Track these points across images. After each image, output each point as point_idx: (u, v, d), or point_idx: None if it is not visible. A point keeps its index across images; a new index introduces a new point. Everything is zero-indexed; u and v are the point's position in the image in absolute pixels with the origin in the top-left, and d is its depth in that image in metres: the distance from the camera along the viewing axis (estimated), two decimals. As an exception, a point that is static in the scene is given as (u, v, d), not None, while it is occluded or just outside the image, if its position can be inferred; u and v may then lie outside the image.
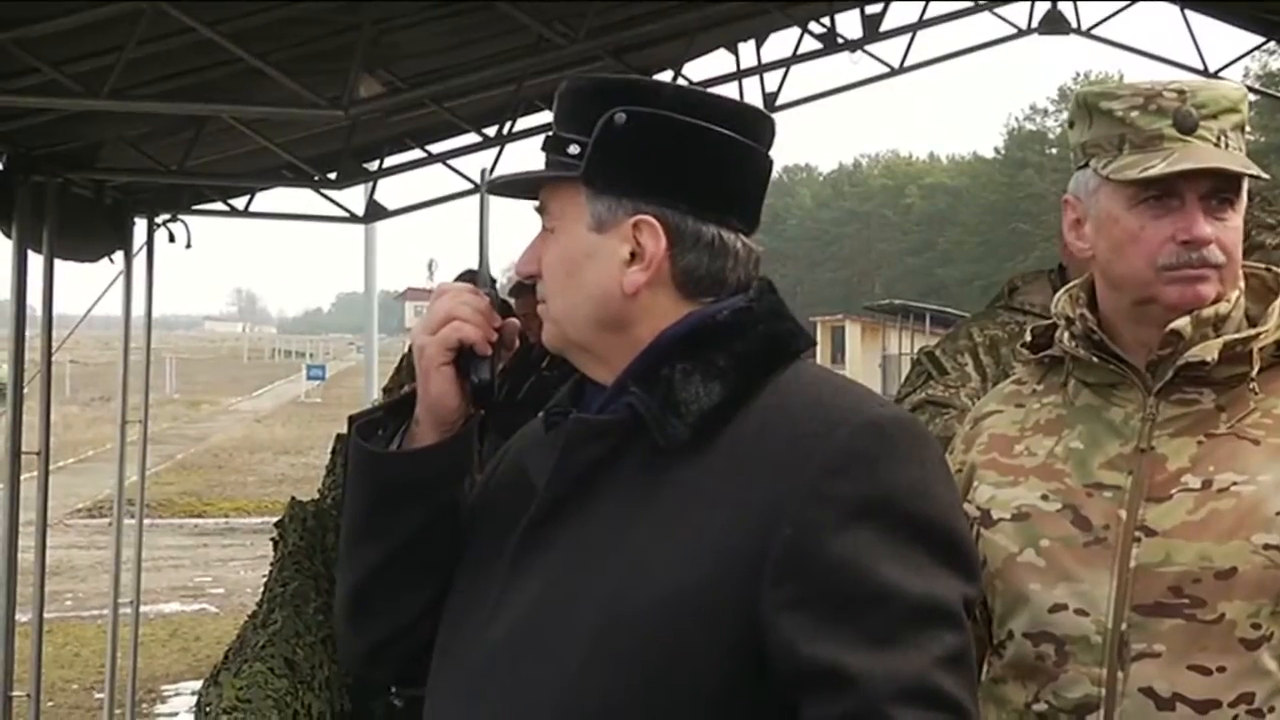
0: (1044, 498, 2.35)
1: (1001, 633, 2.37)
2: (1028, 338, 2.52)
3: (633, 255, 1.90)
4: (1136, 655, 2.26)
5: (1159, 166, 2.27)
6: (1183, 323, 2.30)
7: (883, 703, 1.69)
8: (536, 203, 1.99)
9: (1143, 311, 2.34)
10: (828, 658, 1.71)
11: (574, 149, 1.91)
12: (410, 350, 2.08)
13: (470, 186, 8.43)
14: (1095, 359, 2.36)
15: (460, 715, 1.90)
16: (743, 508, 1.78)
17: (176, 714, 10.48)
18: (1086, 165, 2.37)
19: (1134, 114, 2.31)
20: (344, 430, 2.20)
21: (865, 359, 48.03)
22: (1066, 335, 2.40)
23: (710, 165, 1.92)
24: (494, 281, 2.05)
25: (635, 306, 1.91)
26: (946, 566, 1.78)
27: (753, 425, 1.83)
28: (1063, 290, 2.48)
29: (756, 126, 1.95)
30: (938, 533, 1.79)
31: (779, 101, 9.49)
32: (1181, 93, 2.31)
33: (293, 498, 7.60)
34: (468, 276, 2.07)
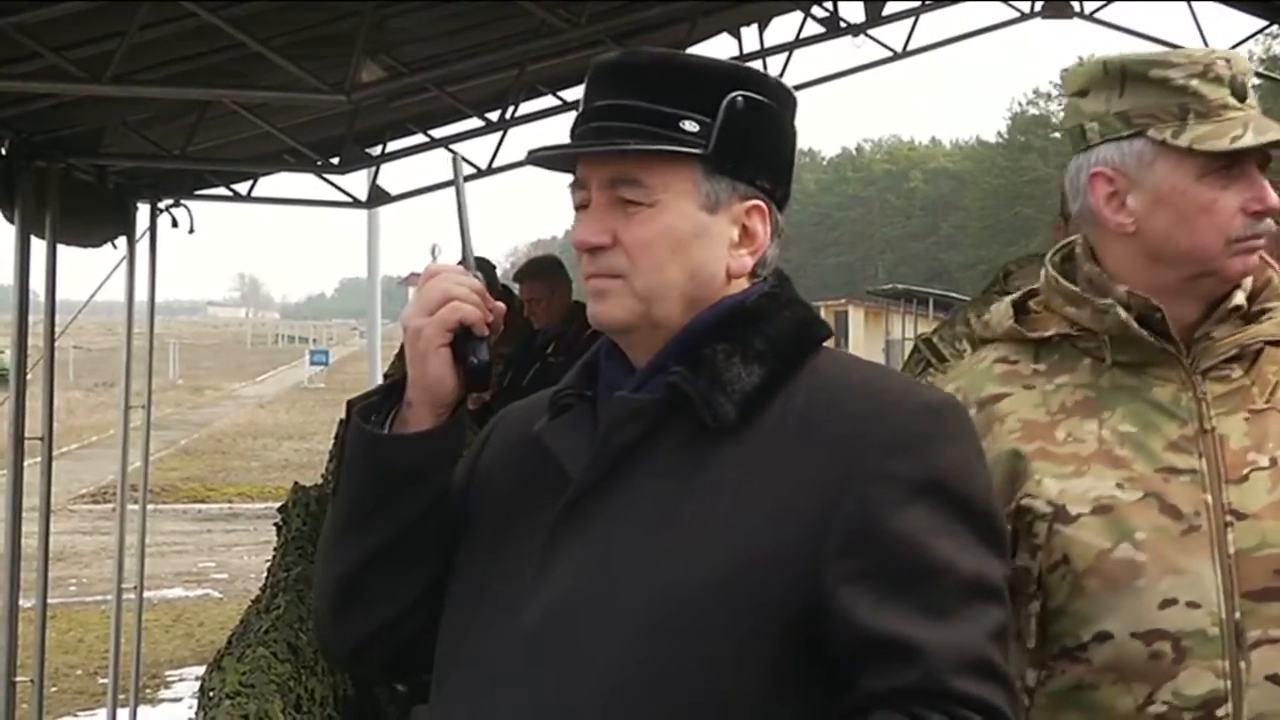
0: (1119, 486, 2.24)
1: (1085, 634, 2.23)
2: (1010, 316, 2.42)
3: (739, 238, 1.94)
4: (1255, 643, 2.19)
5: (1248, 137, 2.21)
6: (1241, 297, 2.26)
7: (947, 674, 1.75)
8: (576, 175, 1.96)
9: (1194, 286, 2.28)
10: (894, 630, 1.76)
11: (691, 125, 1.90)
12: None
13: (473, 171, 8.45)
14: (1148, 337, 2.27)
15: (494, 698, 1.87)
16: (799, 486, 1.82)
17: (180, 699, 10.49)
18: (1134, 136, 2.27)
19: (1194, 82, 2.24)
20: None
21: (868, 344, 48.01)
22: (1089, 311, 2.31)
23: (791, 156, 2.01)
24: (493, 265, 2.05)
25: (727, 289, 1.95)
26: (987, 545, 1.84)
27: (797, 407, 1.88)
28: (1050, 267, 2.39)
29: (796, 112, 2.02)
30: (981, 513, 1.86)
31: (782, 86, 9.48)
32: (1227, 60, 2.27)
33: (296, 483, 7.62)
34: (483, 263, 2.05)
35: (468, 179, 2.03)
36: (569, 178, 1.99)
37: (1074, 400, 2.31)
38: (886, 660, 1.76)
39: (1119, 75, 2.29)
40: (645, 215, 1.91)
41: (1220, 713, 2.19)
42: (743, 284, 1.96)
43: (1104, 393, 2.30)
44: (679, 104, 1.91)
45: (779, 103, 1.97)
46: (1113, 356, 2.30)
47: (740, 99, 1.91)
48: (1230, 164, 2.23)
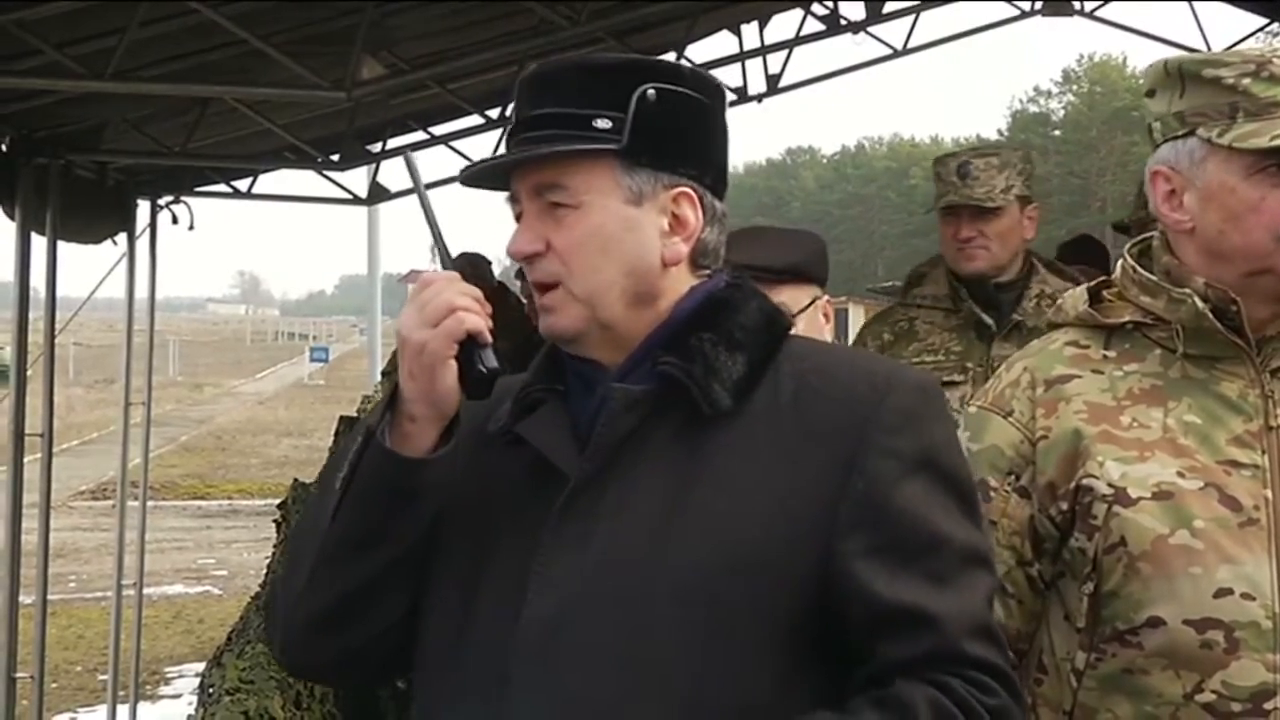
0: (1180, 475, 2.26)
1: (1137, 618, 2.25)
2: (1084, 301, 2.45)
3: (669, 227, 1.96)
4: None
5: (1263, 140, 2.22)
6: None
7: (959, 640, 1.85)
8: (511, 190, 1.98)
9: (1252, 284, 2.29)
10: (910, 600, 1.84)
11: (603, 123, 1.92)
12: None
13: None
14: (1221, 329, 2.29)
15: (508, 697, 1.87)
16: (804, 467, 1.87)
17: (180, 695, 10.49)
18: (1188, 135, 2.30)
19: (1246, 81, 2.26)
20: (346, 412, 2.15)
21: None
22: (1165, 301, 2.32)
23: (718, 141, 2.01)
24: (489, 261, 2.04)
25: (666, 279, 1.97)
26: (971, 517, 1.93)
27: (785, 391, 1.92)
28: (1127, 258, 2.42)
29: (725, 101, 2.04)
30: (966, 487, 1.94)
31: (782, 83, 9.48)
32: None
33: (296, 479, 7.61)
34: (461, 262, 2.05)
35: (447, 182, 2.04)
36: None
37: (1141, 388, 2.34)
38: (904, 629, 1.84)
39: (1178, 75, 2.32)
40: (573, 217, 1.93)
41: (1269, 706, 2.20)
42: (684, 271, 1.99)
43: (1172, 383, 2.33)
44: (590, 104, 1.93)
45: (697, 90, 1.98)
46: (1184, 347, 2.33)
47: (651, 90, 1.93)
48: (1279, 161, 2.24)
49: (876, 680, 1.85)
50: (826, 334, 3.11)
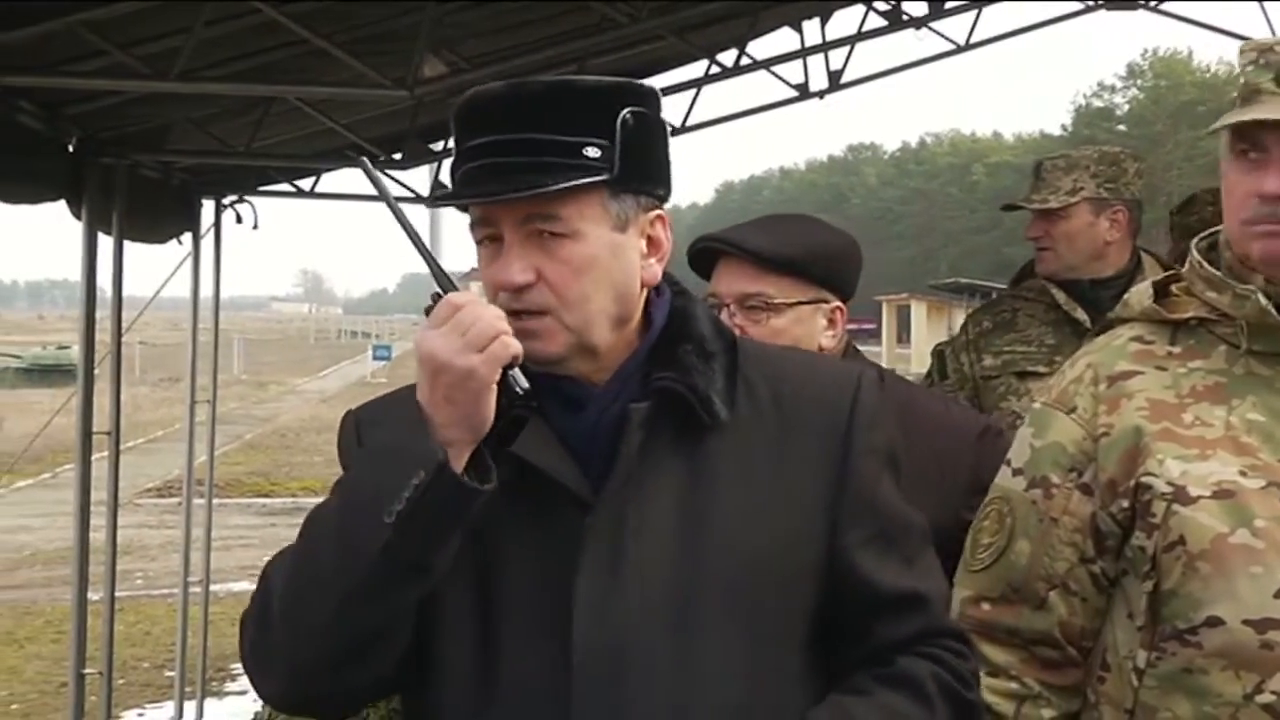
0: (1242, 474, 2.23)
1: (1196, 617, 2.22)
2: (1149, 297, 2.43)
3: (646, 250, 1.98)
4: None
5: (1233, 117, 2.23)
6: None
7: (943, 615, 2.07)
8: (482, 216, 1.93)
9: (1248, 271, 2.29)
10: (907, 586, 2.01)
11: (593, 151, 1.90)
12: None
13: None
14: None
15: (566, 714, 1.87)
16: (798, 468, 1.97)
17: (245, 692, 10.54)
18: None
19: (1249, 68, 2.27)
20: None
21: (931, 338, 47.76)
22: (1229, 297, 2.30)
23: (668, 156, 2.03)
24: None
25: (639, 299, 1.99)
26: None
27: (762, 397, 2.00)
28: (1195, 252, 2.40)
29: (661, 108, 2.03)
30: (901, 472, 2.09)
31: (843, 79, 9.44)
32: None
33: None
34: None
35: None
36: None
37: (1205, 385, 2.31)
38: (902, 611, 2.00)
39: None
40: (566, 248, 1.90)
41: None
42: (651, 292, 2.02)
43: (1236, 380, 2.31)
44: (577, 131, 1.90)
45: (654, 108, 1.98)
46: (1248, 344, 2.30)
47: (629, 116, 1.92)
48: (1251, 147, 2.25)
49: (874, 658, 1.99)
50: (824, 341, 2.94)
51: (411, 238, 1.96)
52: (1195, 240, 2.43)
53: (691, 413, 1.93)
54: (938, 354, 4.53)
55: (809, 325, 2.92)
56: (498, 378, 1.84)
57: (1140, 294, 2.44)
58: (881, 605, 1.99)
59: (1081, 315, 4.21)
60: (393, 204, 1.98)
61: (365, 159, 2.13)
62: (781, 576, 1.93)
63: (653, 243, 1.98)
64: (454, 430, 1.84)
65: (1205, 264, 2.36)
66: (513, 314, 1.89)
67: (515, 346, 1.84)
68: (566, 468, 1.91)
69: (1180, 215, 4.43)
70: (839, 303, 2.98)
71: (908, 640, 1.99)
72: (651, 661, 1.87)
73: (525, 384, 1.87)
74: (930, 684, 1.96)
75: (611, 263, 1.93)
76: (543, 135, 1.89)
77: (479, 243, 1.95)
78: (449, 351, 1.82)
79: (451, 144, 8.40)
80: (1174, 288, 2.43)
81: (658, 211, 1.98)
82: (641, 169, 1.94)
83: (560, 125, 1.89)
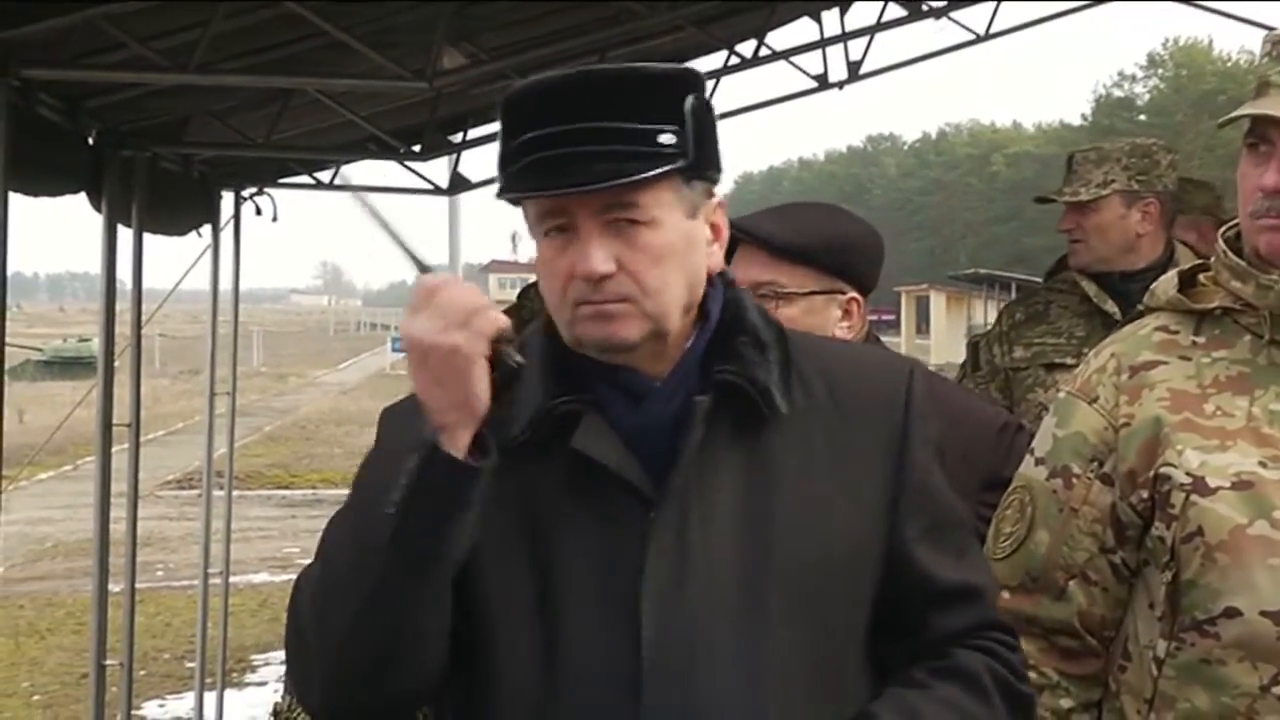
0: (1263, 464, 2.22)
1: (1214, 608, 2.22)
2: (1175, 286, 2.41)
3: (710, 236, 1.97)
4: None
5: (1242, 110, 2.23)
6: None
7: (994, 607, 2.08)
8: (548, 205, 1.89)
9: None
10: (960, 578, 2.02)
11: (667, 138, 1.88)
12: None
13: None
14: None
15: (635, 717, 1.86)
16: (859, 461, 1.97)
17: (266, 683, 10.60)
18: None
19: (1264, 60, 2.26)
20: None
21: (950, 329, 47.73)
22: (1254, 286, 2.30)
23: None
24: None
25: (704, 287, 1.98)
26: None
27: (818, 389, 1.98)
28: (1221, 241, 2.38)
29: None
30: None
31: (863, 70, 9.41)
32: None
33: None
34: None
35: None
36: None
37: (1228, 375, 2.31)
38: (958, 604, 2.02)
39: None
40: (645, 235, 1.88)
41: None
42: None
43: (1259, 370, 2.30)
44: (651, 119, 1.88)
45: (707, 91, 1.96)
46: (1271, 334, 2.29)
47: (693, 101, 1.91)
48: (1259, 140, 2.25)
49: (929, 651, 2.00)
50: (838, 333, 2.88)
51: (384, 226, 1.92)
52: (1222, 229, 2.42)
53: (751, 406, 1.92)
54: (972, 345, 4.56)
55: (822, 316, 2.88)
56: (485, 352, 1.80)
57: (1166, 283, 2.43)
58: (938, 597, 2.00)
59: (1111, 308, 4.21)
60: (363, 199, 1.95)
61: (339, 168, 2.10)
62: (844, 568, 1.94)
63: (715, 229, 1.98)
64: (448, 413, 1.81)
65: (1230, 253, 2.35)
66: (587, 304, 1.88)
67: (501, 320, 1.81)
68: (628, 463, 1.90)
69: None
70: (855, 294, 2.93)
71: (962, 633, 2.01)
72: (720, 652, 1.87)
73: (520, 359, 1.82)
74: (986, 677, 1.99)
75: (686, 250, 1.92)
76: (615, 124, 1.86)
77: (545, 233, 1.91)
78: (431, 332, 1.79)
79: (480, 136, 8.27)
80: (1201, 277, 2.42)
81: (719, 198, 1.97)
82: (709, 155, 1.93)
83: (632, 112, 1.87)
